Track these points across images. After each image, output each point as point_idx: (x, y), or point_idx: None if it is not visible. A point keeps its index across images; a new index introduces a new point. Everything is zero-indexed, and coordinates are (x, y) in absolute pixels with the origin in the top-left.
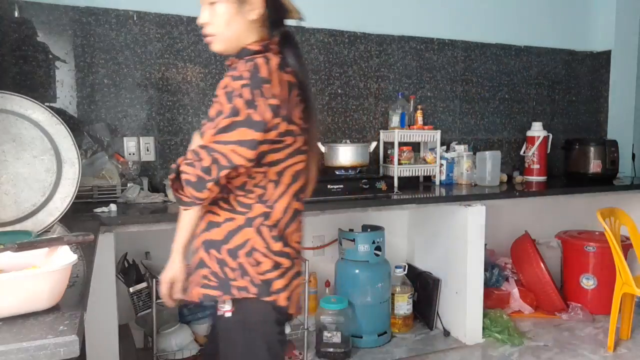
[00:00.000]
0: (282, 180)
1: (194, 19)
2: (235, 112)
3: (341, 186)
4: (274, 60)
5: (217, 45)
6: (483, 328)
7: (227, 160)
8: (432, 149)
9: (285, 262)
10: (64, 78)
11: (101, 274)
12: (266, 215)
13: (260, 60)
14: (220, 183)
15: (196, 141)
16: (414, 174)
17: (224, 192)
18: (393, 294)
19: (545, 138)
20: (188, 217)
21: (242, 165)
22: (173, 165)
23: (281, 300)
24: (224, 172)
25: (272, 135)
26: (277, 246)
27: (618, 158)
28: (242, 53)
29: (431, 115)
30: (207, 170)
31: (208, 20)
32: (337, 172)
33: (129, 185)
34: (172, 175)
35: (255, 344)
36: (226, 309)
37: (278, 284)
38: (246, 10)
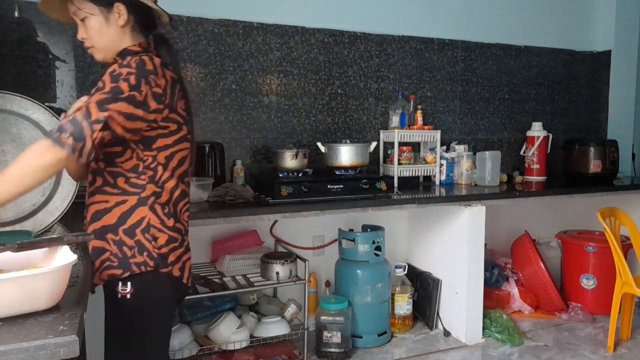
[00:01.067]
0: (170, 164)
1: (194, 19)
2: (118, 91)
3: (341, 186)
4: (157, 59)
5: (98, 55)
6: (483, 328)
7: (105, 124)
8: (432, 149)
9: (178, 237)
10: (64, 78)
11: None
12: (157, 195)
13: (145, 57)
14: (93, 140)
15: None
16: (414, 174)
17: (110, 176)
18: (393, 294)
19: (545, 138)
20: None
21: (114, 131)
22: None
23: (175, 271)
24: (100, 135)
25: (154, 117)
26: (170, 222)
27: (618, 158)
28: (124, 53)
29: (431, 115)
30: (92, 129)
31: (84, 36)
32: (337, 172)
33: None
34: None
35: (154, 320)
36: (127, 291)
37: (172, 256)
38: (114, 19)
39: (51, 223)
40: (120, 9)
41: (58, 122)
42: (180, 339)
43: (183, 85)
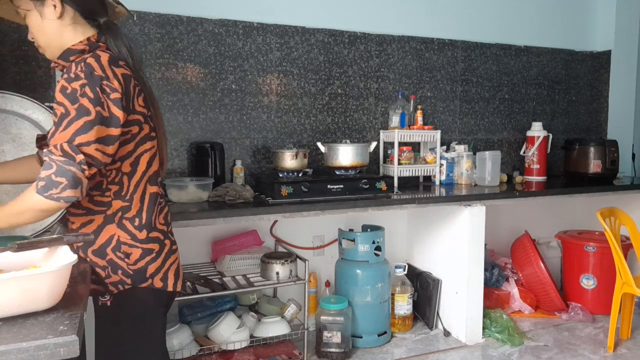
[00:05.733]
0: (138, 170)
1: (194, 19)
2: (85, 112)
3: (341, 186)
4: (104, 56)
5: (48, 54)
6: (483, 328)
7: (93, 160)
8: (432, 149)
9: (155, 247)
10: None
11: None
12: (125, 209)
13: (90, 59)
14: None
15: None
16: (414, 174)
17: None
18: (393, 294)
19: (545, 138)
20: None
21: (105, 163)
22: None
23: (156, 282)
24: (92, 171)
25: (121, 129)
26: (143, 234)
27: (618, 158)
28: (67, 54)
29: (431, 115)
30: (82, 170)
31: (32, 35)
32: (337, 172)
33: None
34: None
35: (136, 330)
36: (106, 299)
37: (151, 268)
38: (49, 12)
39: (51, 223)
40: (54, 0)
41: (46, 164)
42: (180, 339)
43: (139, 79)
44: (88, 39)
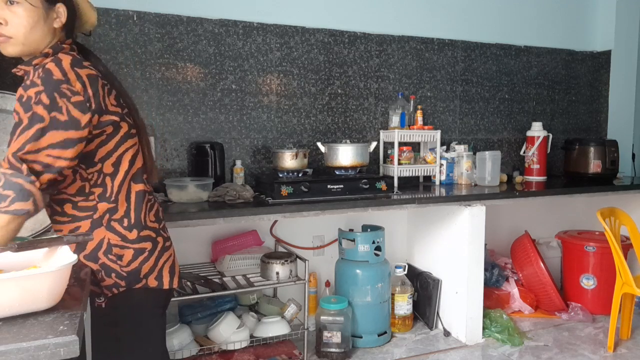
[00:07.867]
0: (120, 169)
1: (194, 19)
2: (38, 119)
3: (341, 186)
4: (66, 59)
5: (12, 48)
6: (483, 328)
7: (45, 167)
8: (432, 149)
9: (147, 245)
10: None
11: None
12: (112, 211)
13: (50, 64)
14: (42, 191)
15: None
16: (414, 174)
17: (56, 204)
18: (393, 294)
19: (545, 138)
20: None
21: (64, 167)
22: None
23: (151, 282)
24: (46, 178)
25: (88, 130)
26: (133, 235)
27: (618, 158)
28: (31, 59)
29: (431, 115)
30: (30, 181)
31: (6, 19)
32: (337, 172)
33: None
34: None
35: (132, 331)
36: (102, 301)
37: (145, 268)
38: (52, 19)
39: (51, 223)
40: (60, 11)
41: None
42: (180, 339)
43: (109, 78)
44: (56, 42)
